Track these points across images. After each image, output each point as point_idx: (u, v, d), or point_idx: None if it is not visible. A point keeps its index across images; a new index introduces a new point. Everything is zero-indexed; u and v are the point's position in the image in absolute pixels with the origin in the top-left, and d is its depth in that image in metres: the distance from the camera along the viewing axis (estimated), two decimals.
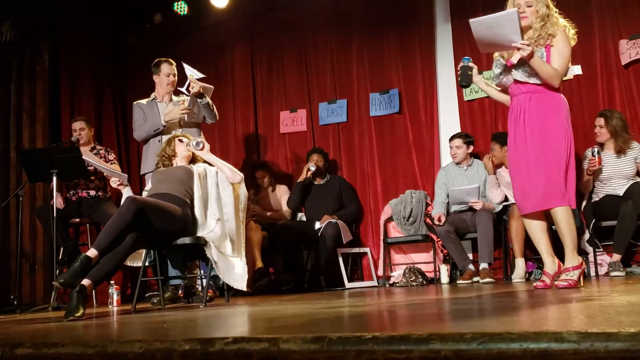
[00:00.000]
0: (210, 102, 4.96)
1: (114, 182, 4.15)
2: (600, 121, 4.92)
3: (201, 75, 4.83)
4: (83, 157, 4.72)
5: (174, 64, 5.09)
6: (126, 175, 4.34)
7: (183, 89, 4.82)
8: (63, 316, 3.15)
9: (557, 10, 3.48)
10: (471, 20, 3.29)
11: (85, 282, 3.26)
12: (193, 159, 4.27)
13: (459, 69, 3.54)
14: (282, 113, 6.71)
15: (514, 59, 3.34)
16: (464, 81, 3.55)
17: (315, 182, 6.06)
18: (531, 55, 3.23)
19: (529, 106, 3.40)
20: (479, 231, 5.10)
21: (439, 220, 5.29)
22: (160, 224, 3.62)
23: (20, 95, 6.28)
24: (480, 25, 3.27)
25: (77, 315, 3.11)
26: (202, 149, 4.17)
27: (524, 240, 4.90)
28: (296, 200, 5.97)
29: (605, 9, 5.45)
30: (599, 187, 4.94)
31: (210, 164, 4.18)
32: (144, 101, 5.10)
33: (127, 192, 4.02)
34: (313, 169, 5.79)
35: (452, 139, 5.56)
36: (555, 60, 3.34)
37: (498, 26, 3.21)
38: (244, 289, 3.95)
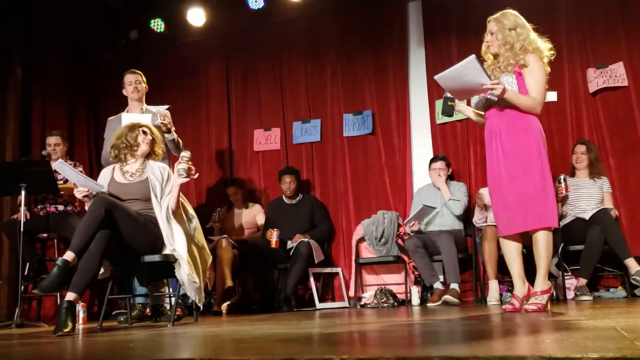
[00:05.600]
0: (176, 137, 4.86)
1: (79, 193, 3.73)
2: (582, 148, 5.07)
3: (165, 107, 4.84)
4: (54, 167, 4.34)
5: (138, 72, 5.04)
6: (102, 189, 3.86)
7: (154, 110, 4.78)
8: (52, 332, 3.17)
9: (531, 27, 3.49)
10: (436, 77, 3.34)
11: (71, 296, 3.24)
12: (149, 153, 4.01)
13: (442, 99, 3.57)
14: (256, 131, 6.71)
15: (489, 95, 3.38)
16: (444, 112, 3.57)
17: (287, 202, 6.05)
18: (504, 92, 3.26)
19: (500, 129, 3.46)
20: (443, 252, 5.14)
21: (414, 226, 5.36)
22: (129, 231, 3.54)
23: None
24: (446, 79, 3.32)
25: (66, 330, 3.11)
26: (188, 177, 3.73)
27: (497, 262, 4.95)
28: None
29: (574, 38, 5.59)
30: (568, 211, 5.03)
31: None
32: (115, 117, 5.04)
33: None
34: (275, 239, 5.56)
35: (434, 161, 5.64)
36: (532, 89, 3.37)
37: (463, 75, 3.25)
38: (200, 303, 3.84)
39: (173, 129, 4.80)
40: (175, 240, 3.73)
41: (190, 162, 3.76)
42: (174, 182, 3.80)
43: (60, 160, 3.97)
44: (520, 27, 3.45)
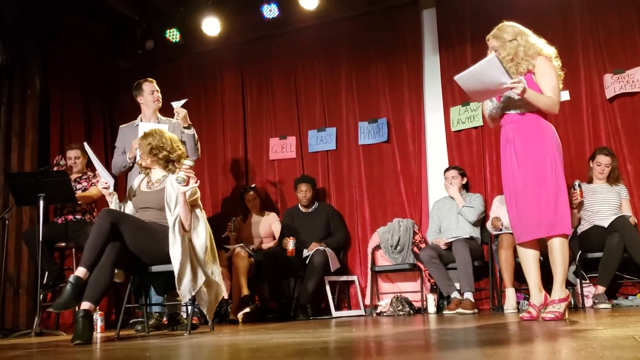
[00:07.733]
0: (196, 137, 4.90)
1: (101, 184, 3.86)
2: (607, 160, 4.99)
3: (183, 101, 4.85)
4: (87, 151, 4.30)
5: (154, 81, 5.08)
6: (112, 180, 3.96)
7: (174, 106, 4.83)
8: (70, 340, 3.21)
9: (532, 33, 3.49)
10: (456, 77, 3.32)
11: (87, 305, 3.27)
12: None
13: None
14: (272, 140, 6.74)
15: (510, 94, 3.36)
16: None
17: (303, 210, 6.06)
18: (524, 90, 3.26)
19: (514, 136, 3.46)
20: (458, 261, 5.10)
21: (445, 245, 5.31)
22: (136, 242, 3.54)
23: (9, 118, 6.25)
24: (466, 79, 3.29)
25: (83, 339, 3.16)
26: (187, 184, 3.65)
27: (514, 269, 4.91)
28: None
29: (590, 44, 5.55)
30: (586, 218, 4.98)
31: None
32: (128, 124, 5.08)
33: (114, 201, 3.84)
34: (291, 247, 5.59)
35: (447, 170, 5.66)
36: (547, 89, 3.37)
37: (484, 74, 3.23)
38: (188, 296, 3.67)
39: (191, 124, 4.87)
40: (173, 251, 3.60)
41: (190, 171, 3.68)
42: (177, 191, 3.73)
43: (85, 142, 4.28)
44: (519, 35, 3.47)
